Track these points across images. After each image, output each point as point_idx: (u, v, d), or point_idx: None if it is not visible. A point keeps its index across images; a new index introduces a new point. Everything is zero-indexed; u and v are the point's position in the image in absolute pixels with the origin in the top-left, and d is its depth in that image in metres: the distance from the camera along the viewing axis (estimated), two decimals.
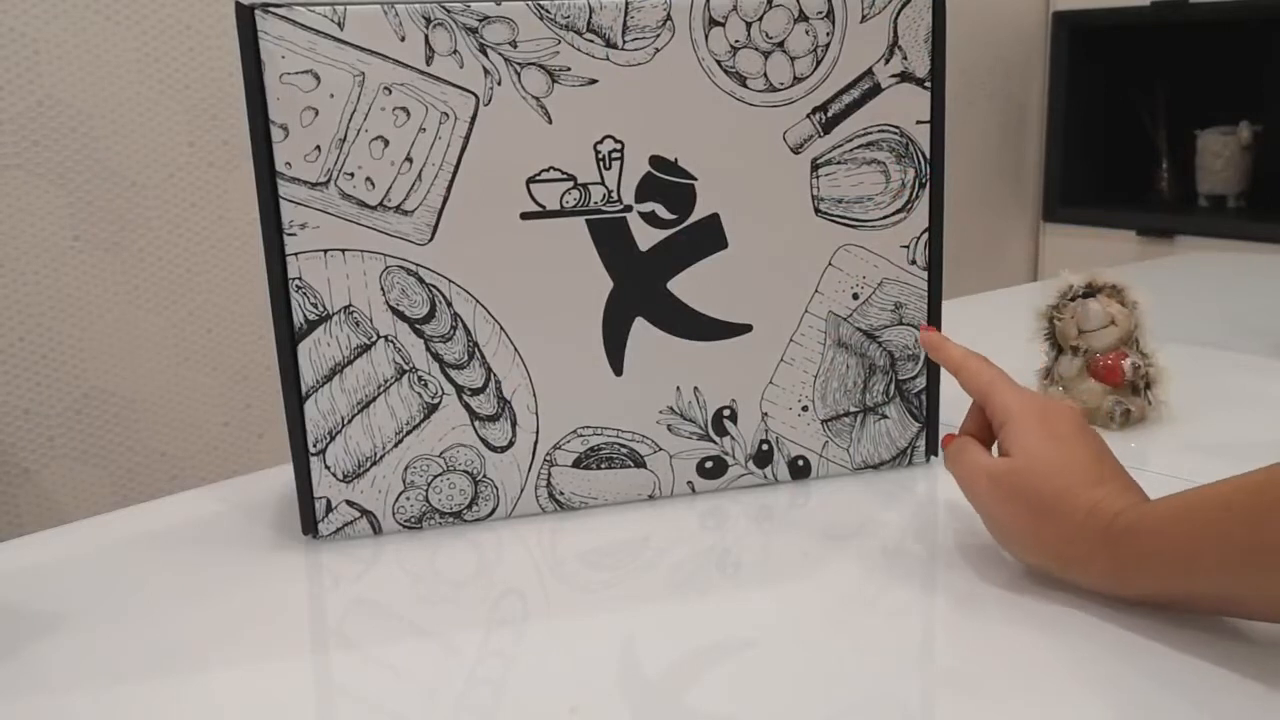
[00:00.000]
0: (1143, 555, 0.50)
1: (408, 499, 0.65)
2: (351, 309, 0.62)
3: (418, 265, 0.62)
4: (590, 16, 0.61)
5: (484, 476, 0.66)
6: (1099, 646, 0.50)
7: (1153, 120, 2.35)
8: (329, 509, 0.64)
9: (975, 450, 0.59)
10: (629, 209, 0.64)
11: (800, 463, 0.71)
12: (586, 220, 0.64)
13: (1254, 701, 0.45)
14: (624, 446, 0.67)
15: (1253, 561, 0.45)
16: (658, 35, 0.62)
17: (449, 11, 0.59)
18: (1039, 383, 0.84)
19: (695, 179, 0.65)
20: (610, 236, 0.64)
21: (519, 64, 0.61)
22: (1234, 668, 0.47)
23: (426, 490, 0.65)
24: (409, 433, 0.64)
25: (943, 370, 0.72)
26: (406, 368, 0.63)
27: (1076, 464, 0.55)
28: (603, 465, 0.67)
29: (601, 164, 0.63)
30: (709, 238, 0.66)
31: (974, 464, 0.58)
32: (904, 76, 0.67)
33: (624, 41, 0.62)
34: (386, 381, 0.63)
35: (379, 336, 0.62)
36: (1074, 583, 0.54)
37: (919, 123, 0.68)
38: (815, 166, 0.67)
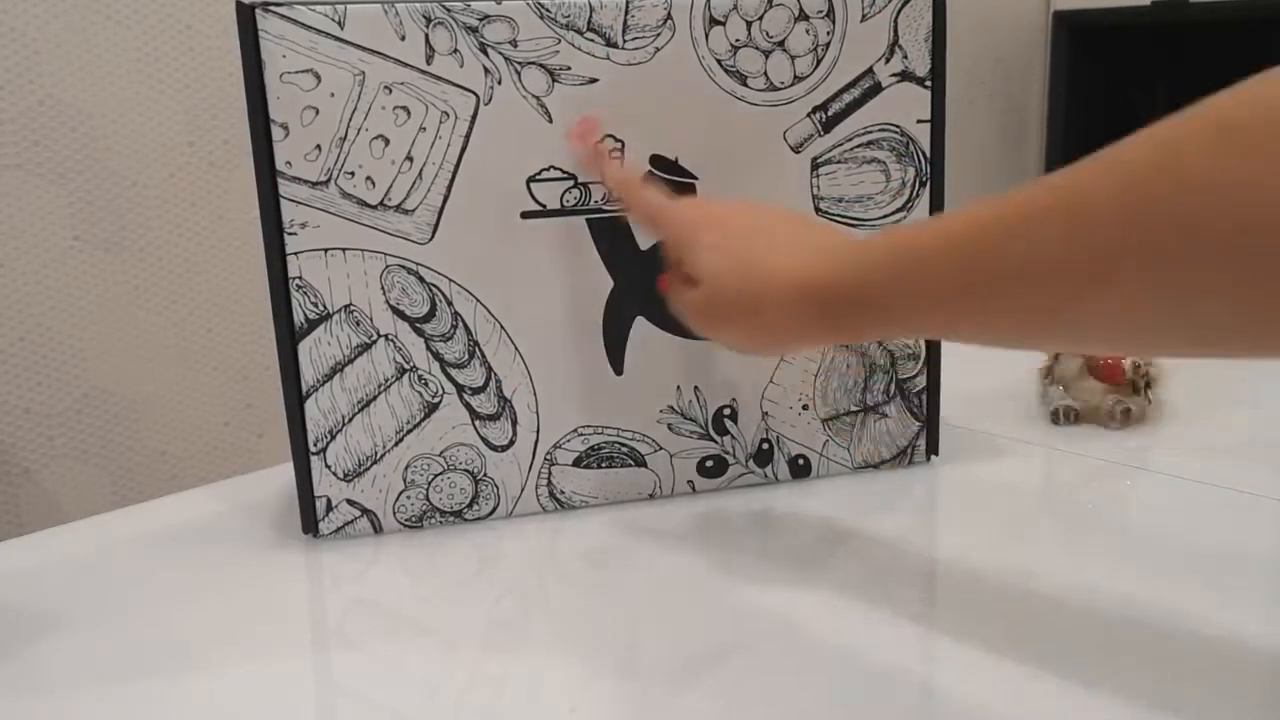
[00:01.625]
0: (878, 313, 0.48)
1: (408, 498, 0.65)
2: (352, 308, 0.62)
3: (418, 264, 0.62)
4: (590, 16, 0.61)
5: (484, 475, 0.66)
6: (1100, 646, 0.50)
7: (1153, 119, 2.35)
8: (329, 508, 0.64)
9: (677, 293, 0.58)
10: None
11: (801, 462, 0.71)
12: (587, 219, 0.64)
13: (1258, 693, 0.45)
14: (624, 446, 0.67)
15: (997, 292, 0.42)
16: (658, 34, 0.62)
17: (449, 11, 0.59)
18: (1040, 381, 0.84)
19: (696, 178, 0.65)
20: (611, 235, 0.64)
21: (519, 63, 0.61)
22: (1235, 662, 0.47)
23: (427, 489, 0.65)
24: (409, 432, 0.64)
25: (943, 370, 0.72)
26: (407, 367, 0.63)
27: (750, 250, 0.53)
28: (603, 464, 0.67)
29: None
30: None
31: (680, 304, 0.57)
32: (904, 76, 0.67)
33: (624, 41, 0.62)
34: (387, 380, 0.63)
35: (379, 336, 0.62)
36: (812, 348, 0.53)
37: (919, 122, 0.68)
38: (815, 166, 0.67)
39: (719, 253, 0.54)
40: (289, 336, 0.61)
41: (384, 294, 0.62)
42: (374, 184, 0.60)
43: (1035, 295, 0.40)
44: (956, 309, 0.44)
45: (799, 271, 0.51)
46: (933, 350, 0.71)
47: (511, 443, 0.65)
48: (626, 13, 0.62)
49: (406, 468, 0.64)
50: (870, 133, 0.67)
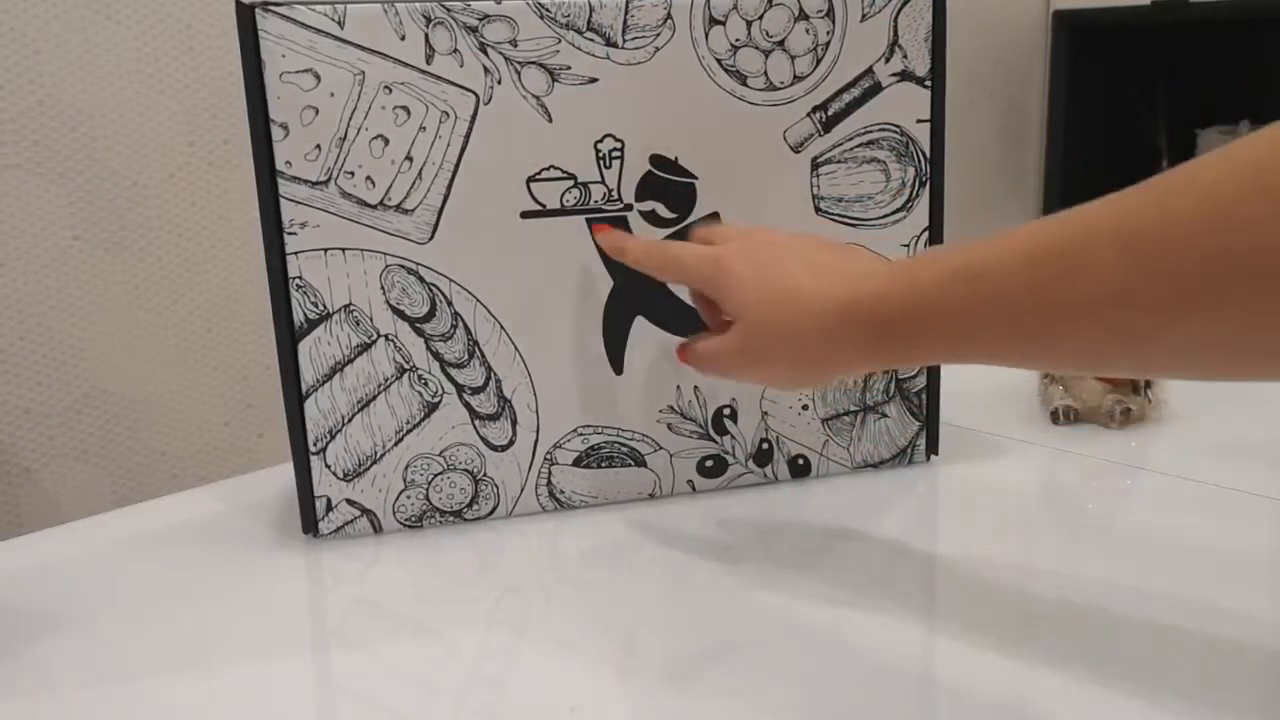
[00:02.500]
0: (925, 339, 0.47)
1: (408, 498, 0.65)
2: (352, 308, 0.62)
3: (418, 264, 0.62)
4: (590, 15, 0.61)
5: (484, 475, 0.66)
6: (1099, 646, 0.50)
7: (1153, 119, 2.35)
8: (329, 508, 0.64)
9: (704, 342, 0.57)
10: (629, 208, 0.64)
11: (800, 462, 0.71)
12: (587, 219, 0.64)
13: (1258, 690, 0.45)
14: (624, 445, 0.67)
15: (1052, 327, 0.41)
16: (658, 34, 0.62)
17: (449, 10, 0.59)
18: (1040, 381, 0.84)
19: (695, 178, 0.65)
20: None
21: (519, 63, 0.61)
22: (1236, 656, 0.47)
23: (427, 489, 0.65)
24: (409, 431, 0.64)
25: (943, 370, 0.72)
26: (407, 366, 0.63)
27: (788, 278, 0.52)
28: (603, 464, 0.67)
29: (602, 163, 0.63)
30: None
31: (714, 354, 0.56)
32: (904, 75, 0.67)
33: (624, 40, 0.62)
34: (387, 380, 0.63)
35: (379, 335, 0.62)
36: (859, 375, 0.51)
37: (919, 122, 0.68)
38: (815, 165, 0.67)
39: (752, 286, 0.53)
40: (289, 336, 0.61)
41: (384, 294, 0.62)
42: (374, 184, 0.60)
43: (1103, 324, 0.39)
44: (1013, 331, 0.43)
45: (841, 294, 0.49)
46: None
47: (511, 442, 0.65)
48: (626, 12, 0.62)
49: (406, 467, 0.64)
50: (870, 132, 0.67)
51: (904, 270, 0.48)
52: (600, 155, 0.63)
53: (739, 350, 0.54)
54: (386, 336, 0.62)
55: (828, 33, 0.65)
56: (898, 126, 0.67)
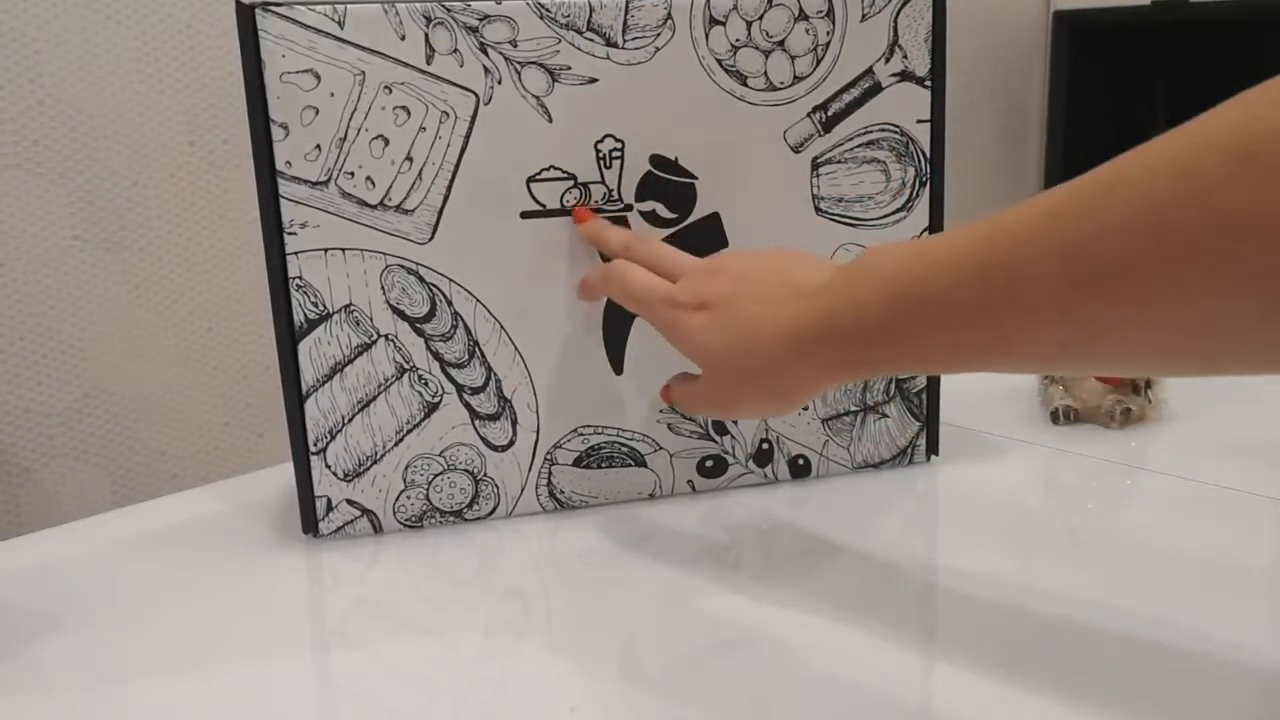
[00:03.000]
0: (870, 361, 0.47)
1: (408, 498, 0.65)
2: (352, 308, 0.62)
3: (418, 264, 0.62)
4: (590, 15, 0.61)
5: (485, 475, 0.66)
6: (1099, 645, 0.50)
7: (1153, 120, 2.35)
8: (329, 508, 0.64)
9: (680, 385, 0.59)
10: (629, 208, 0.64)
11: (800, 462, 0.71)
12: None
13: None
14: (624, 445, 0.67)
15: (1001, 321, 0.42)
16: (658, 34, 0.62)
17: (449, 10, 0.59)
18: (1039, 381, 0.84)
19: (696, 178, 0.65)
20: None
21: (519, 63, 0.61)
22: (1230, 661, 0.47)
23: (427, 489, 0.65)
24: (409, 431, 0.64)
25: None
26: (407, 367, 0.63)
27: (739, 314, 0.52)
28: (603, 464, 0.67)
29: (602, 163, 0.63)
30: (709, 237, 0.66)
31: (689, 399, 0.58)
32: (904, 76, 0.67)
33: (624, 40, 0.62)
34: (387, 380, 0.63)
35: (379, 335, 0.62)
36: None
37: (919, 122, 0.68)
38: (815, 165, 0.67)
39: (709, 331, 0.53)
40: (289, 336, 0.61)
41: (384, 294, 0.62)
42: (374, 184, 0.60)
43: (1049, 335, 0.40)
44: (959, 347, 0.43)
45: (786, 321, 0.50)
46: None
47: (511, 443, 0.65)
48: (626, 12, 0.62)
49: (406, 468, 0.64)
50: (870, 133, 0.67)
51: (847, 287, 0.48)
52: (600, 155, 0.63)
53: (710, 394, 0.55)
54: (387, 337, 0.62)
55: (828, 33, 0.65)
56: (898, 127, 0.67)
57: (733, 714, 0.46)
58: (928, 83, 0.67)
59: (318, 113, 0.59)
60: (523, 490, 0.66)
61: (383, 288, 0.62)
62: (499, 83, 0.61)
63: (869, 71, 0.66)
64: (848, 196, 0.68)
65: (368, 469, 0.64)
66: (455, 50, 0.60)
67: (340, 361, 0.62)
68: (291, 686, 0.50)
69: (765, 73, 0.65)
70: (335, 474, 0.63)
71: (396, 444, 0.64)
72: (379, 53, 0.59)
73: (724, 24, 0.63)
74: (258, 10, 0.57)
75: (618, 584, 0.58)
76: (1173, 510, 0.65)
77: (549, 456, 0.66)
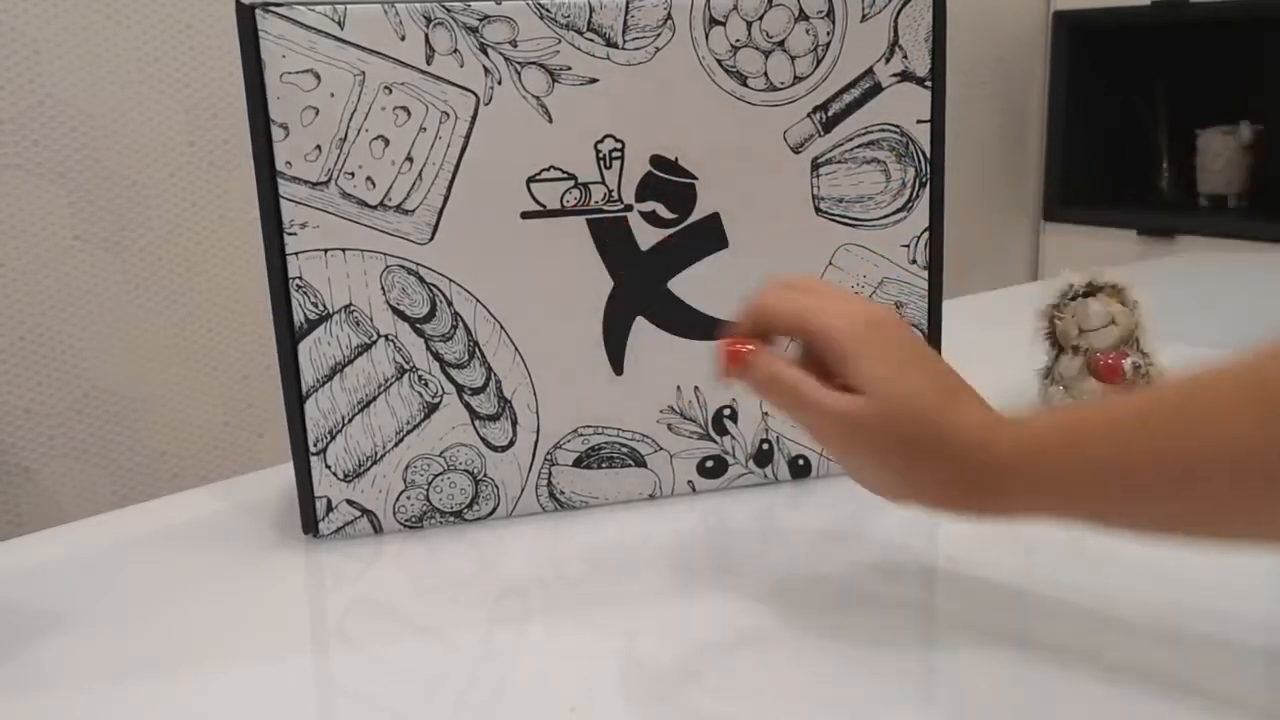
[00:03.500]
0: (1033, 487, 0.46)
1: (408, 498, 0.65)
2: (352, 308, 0.62)
3: (418, 264, 0.62)
4: (591, 16, 0.61)
5: (485, 476, 0.66)
6: (1099, 644, 0.50)
7: (1153, 120, 2.35)
8: (329, 508, 0.64)
9: (807, 386, 0.50)
10: (629, 208, 0.64)
11: (801, 462, 0.71)
12: (587, 219, 0.64)
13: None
14: (624, 446, 0.67)
15: (1170, 480, 0.42)
16: (658, 34, 0.62)
17: (449, 11, 0.59)
18: (1039, 382, 0.84)
19: (696, 178, 0.65)
20: (611, 236, 0.64)
21: (519, 63, 0.61)
22: (1231, 677, 0.47)
23: (427, 489, 0.65)
24: (409, 432, 0.64)
25: None
26: (407, 367, 0.63)
27: (929, 385, 0.49)
28: (603, 465, 0.67)
29: (602, 163, 0.63)
30: (709, 237, 0.66)
31: (815, 403, 0.49)
32: (904, 76, 0.67)
33: (624, 41, 0.62)
34: (387, 381, 0.63)
35: (379, 336, 0.62)
36: (944, 516, 0.49)
37: (919, 122, 0.68)
38: (815, 166, 0.67)
39: (899, 368, 0.48)
40: (289, 336, 0.61)
41: (384, 294, 0.62)
42: (374, 184, 0.60)
43: (1225, 474, 0.40)
44: (1126, 483, 0.43)
45: (978, 432, 0.47)
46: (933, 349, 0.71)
47: (511, 443, 0.65)
48: (626, 13, 0.62)
49: (406, 468, 0.64)
50: (870, 133, 0.67)
51: (1012, 416, 0.48)
52: (600, 156, 0.63)
53: (852, 422, 0.48)
54: (387, 337, 0.62)
55: (828, 33, 0.65)
56: (898, 127, 0.67)
57: (732, 714, 0.46)
58: (928, 83, 0.67)
59: (318, 113, 0.59)
60: (523, 491, 0.66)
61: (383, 288, 0.62)
62: (499, 83, 0.61)
63: (869, 72, 0.66)
64: (848, 197, 0.68)
65: (368, 469, 0.64)
66: (455, 50, 0.60)
67: (340, 362, 0.62)
68: (291, 686, 0.50)
69: (765, 73, 0.65)
70: (335, 474, 0.63)
71: (396, 444, 0.64)
72: (379, 53, 0.59)
73: (724, 24, 0.63)
74: (258, 10, 0.57)
75: (618, 584, 0.58)
76: None
77: (549, 457, 0.66)
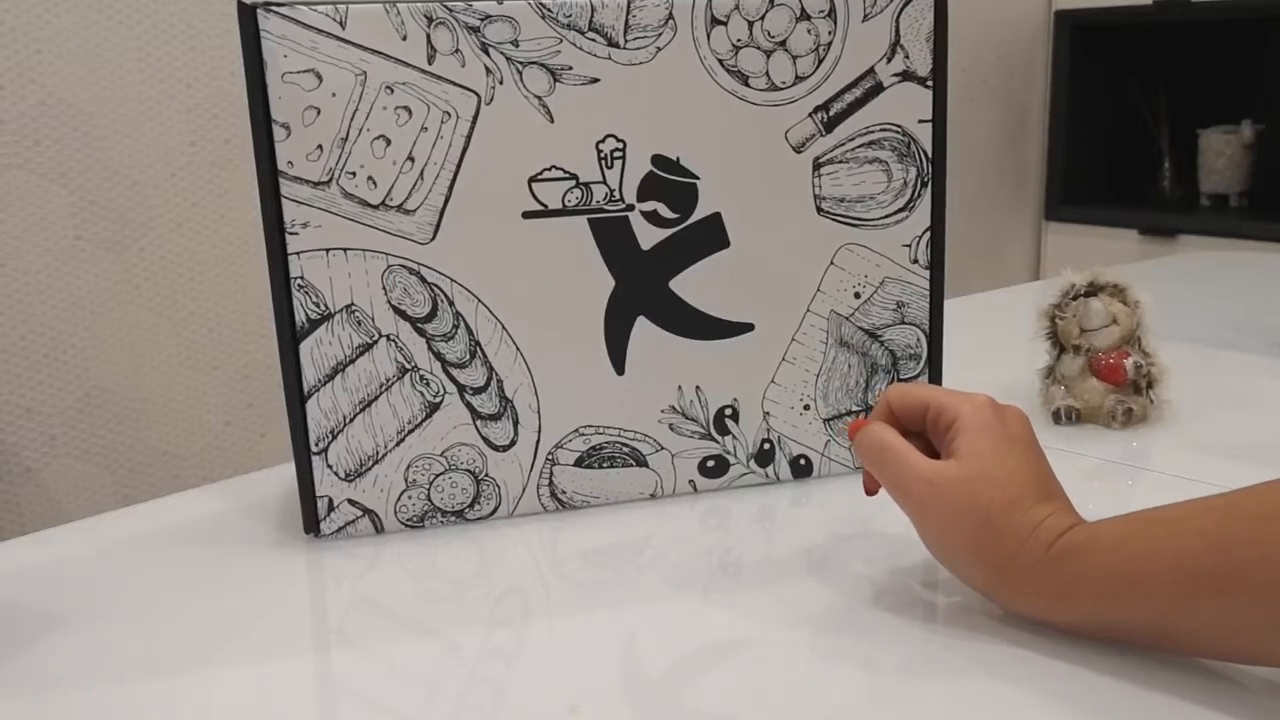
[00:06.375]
0: (1085, 575, 0.47)
1: (409, 498, 0.65)
2: (353, 308, 0.62)
3: (419, 264, 0.62)
4: (592, 15, 0.61)
5: (486, 475, 0.66)
6: (1099, 644, 0.50)
7: (1154, 119, 2.35)
8: (331, 508, 0.64)
9: (903, 447, 0.53)
10: (631, 208, 0.64)
11: (802, 462, 0.71)
12: (588, 219, 0.64)
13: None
14: (626, 445, 0.67)
15: (1208, 586, 0.43)
16: (659, 34, 0.62)
17: (451, 10, 0.59)
18: (1041, 381, 0.84)
19: (697, 178, 0.65)
20: (612, 235, 0.64)
21: (521, 63, 0.61)
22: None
23: (428, 489, 0.65)
24: (411, 431, 0.64)
25: (943, 370, 0.72)
26: (408, 367, 0.63)
27: (1029, 474, 0.51)
28: (604, 464, 0.67)
29: (603, 163, 0.63)
30: (711, 237, 0.66)
31: (906, 466, 0.52)
32: (906, 75, 0.67)
33: (626, 40, 0.62)
34: (388, 380, 0.63)
35: (381, 335, 0.62)
36: (1000, 604, 0.51)
37: (921, 122, 0.68)
38: (817, 165, 0.67)
39: (1006, 448, 0.51)
40: (290, 336, 0.61)
41: (385, 294, 0.62)
42: (375, 184, 0.60)
43: None
44: (1183, 576, 0.44)
45: (1044, 533, 0.49)
46: (933, 350, 0.71)
47: (513, 443, 0.65)
48: (628, 12, 0.62)
49: (408, 468, 0.64)
50: (872, 133, 0.67)
51: (1081, 516, 0.50)
52: (602, 155, 0.63)
53: (939, 486, 0.51)
54: (388, 337, 0.62)
55: (829, 33, 0.65)
56: (899, 126, 0.67)
57: (732, 714, 0.46)
58: (929, 82, 0.67)
59: (319, 113, 0.59)
60: (524, 490, 0.66)
61: (384, 288, 0.62)
62: (500, 83, 0.61)
63: (871, 71, 0.66)
64: (849, 196, 0.68)
65: (369, 469, 0.64)
66: (457, 50, 0.60)
67: (342, 361, 0.62)
68: (292, 686, 0.50)
69: (767, 72, 0.65)
70: (337, 474, 0.63)
71: (398, 444, 0.64)
72: (380, 53, 0.59)
73: (725, 24, 0.63)
74: (259, 10, 0.57)
75: (618, 584, 0.58)
76: None
77: (550, 456, 0.66)
